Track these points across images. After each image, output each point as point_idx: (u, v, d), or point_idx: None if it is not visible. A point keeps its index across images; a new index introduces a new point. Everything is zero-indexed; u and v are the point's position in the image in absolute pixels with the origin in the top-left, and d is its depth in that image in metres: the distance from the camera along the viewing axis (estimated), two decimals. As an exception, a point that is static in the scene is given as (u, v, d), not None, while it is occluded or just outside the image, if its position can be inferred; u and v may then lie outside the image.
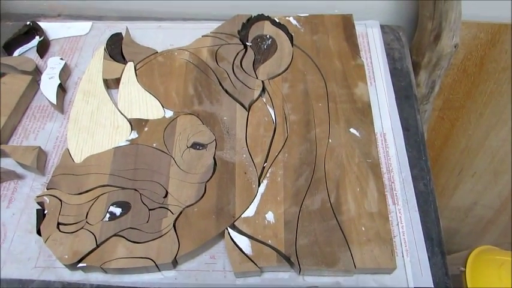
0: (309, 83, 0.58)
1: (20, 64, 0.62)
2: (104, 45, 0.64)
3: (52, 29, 0.69)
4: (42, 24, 0.69)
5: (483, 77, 0.72)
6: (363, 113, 0.55)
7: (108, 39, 0.65)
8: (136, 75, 0.60)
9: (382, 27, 0.67)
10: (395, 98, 0.59)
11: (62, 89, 0.60)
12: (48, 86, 0.59)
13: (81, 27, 0.70)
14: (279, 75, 0.59)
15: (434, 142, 0.85)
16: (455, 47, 0.62)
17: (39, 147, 0.53)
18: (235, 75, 0.59)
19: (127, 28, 0.66)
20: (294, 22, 0.65)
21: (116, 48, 0.64)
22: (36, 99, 0.61)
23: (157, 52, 0.63)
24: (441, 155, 0.87)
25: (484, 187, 0.94)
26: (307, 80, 0.58)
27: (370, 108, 0.55)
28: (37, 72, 0.62)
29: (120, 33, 0.66)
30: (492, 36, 0.66)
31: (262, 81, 0.58)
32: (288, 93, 0.57)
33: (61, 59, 0.63)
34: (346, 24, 0.65)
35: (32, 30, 0.67)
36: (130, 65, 0.61)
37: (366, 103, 0.56)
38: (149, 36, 0.68)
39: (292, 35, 0.64)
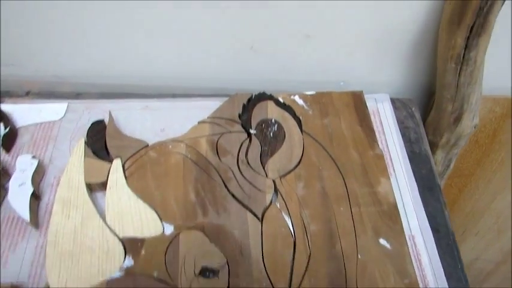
0: (326, 181, 0.51)
1: (-19, 166, 0.52)
2: (83, 137, 0.55)
3: (20, 112, 0.59)
4: (8, 107, 0.59)
5: (495, 147, 0.68)
6: (391, 217, 0.49)
7: (89, 129, 0.56)
8: (125, 177, 0.51)
9: (392, 101, 0.62)
10: (418, 190, 0.54)
11: (35, 196, 0.51)
12: (19, 196, 0.50)
13: (54, 109, 0.60)
14: (291, 171, 0.52)
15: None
16: (474, 127, 0.58)
17: (11, 284, 0.44)
18: (242, 174, 0.52)
19: (110, 114, 0.58)
20: (301, 102, 0.59)
21: (98, 141, 0.55)
22: (2, 209, 0.51)
23: (148, 145, 0.55)
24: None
25: (486, 244, 0.91)
26: (323, 176, 0.52)
27: (398, 211, 0.49)
28: (3, 174, 0.52)
29: (103, 121, 0.57)
30: (507, 110, 0.62)
31: (273, 181, 0.51)
32: (304, 195, 0.50)
33: (33, 157, 0.53)
34: (357, 103, 0.59)
35: (-5, 118, 0.57)
36: (117, 164, 0.52)
37: (392, 204, 0.50)
38: (135, 119, 0.59)
39: (300, 119, 0.57)
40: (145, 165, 0.52)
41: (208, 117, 0.57)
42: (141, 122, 0.59)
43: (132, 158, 0.53)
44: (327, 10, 0.55)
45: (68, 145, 0.57)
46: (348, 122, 0.57)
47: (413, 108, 0.62)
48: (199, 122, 0.57)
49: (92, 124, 0.56)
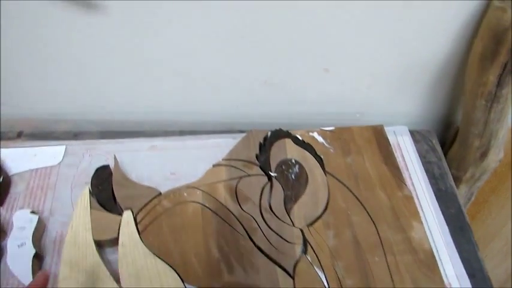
0: (356, 227, 0.48)
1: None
2: (87, 185, 0.50)
3: (12, 157, 0.54)
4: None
5: (510, 174, 0.67)
6: (429, 266, 0.46)
7: (93, 177, 0.51)
8: (139, 232, 0.47)
9: (411, 133, 0.60)
10: (449, 231, 0.51)
11: (37, 257, 0.45)
12: (19, 258, 0.44)
13: (51, 153, 0.54)
14: (318, 218, 0.49)
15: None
16: (499, 161, 0.56)
17: None
18: (267, 224, 0.48)
19: (115, 158, 0.53)
20: (320, 139, 0.56)
21: (104, 190, 0.50)
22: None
23: (160, 193, 0.50)
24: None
25: (493, 266, 0.90)
26: (353, 222, 0.49)
27: (435, 259, 0.47)
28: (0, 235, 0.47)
29: (108, 167, 0.52)
30: (525, 139, 0.61)
31: (301, 230, 0.48)
32: (335, 246, 0.47)
33: (32, 212, 0.48)
34: (379, 138, 0.56)
35: (-15, 167, 0.51)
36: (128, 217, 0.47)
37: (429, 252, 0.47)
38: (142, 161, 0.55)
39: (321, 158, 0.54)
40: (159, 217, 0.48)
41: (223, 160, 0.53)
42: (149, 165, 0.54)
43: (144, 209, 0.48)
44: (347, 44, 0.52)
45: (69, 194, 0.51)
46: (372, 160, 0.54)
47: (433, 141, 0.60)
48: (214, 165, 0.53)
49: (96, 170, 0.51)
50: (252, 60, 0.53)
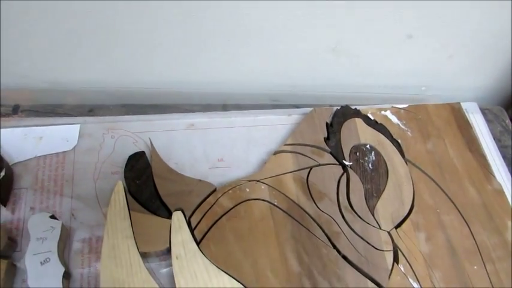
0: (449, 230, 0.41)
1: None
2: (121, 180, 0.39)
3: (10, 141, 0.41)
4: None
5: None
6: (531, 274, 0.41)
7: (127, 168, 0.40)
8: (195, 239, 0.37)
9: (482, 111, 0.53)
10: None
11: (66, 276, 0.35)
12: (45, 280, 0.34)
13: (61, 134, 0.42)
14: (406, 218, 0.41)
15: None
16: None
17: None
18: (349, 226, 0.40)
19: (151, 143, 0.41)
20: (395, 119, 0.47)
21: (145, 186, 0.39)
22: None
23: (215, 189, 0.40)
24: None
25: None
26: (444, 223, 0.42)
27: (536, 264, 0.41)
28: (10, 246, 0.35)
29: (143, 154, 0.41)
30: None
31: (389, 233, 0.40)
32: (429, 252, 0.40)
33: (52, 216, 0.36)
34: (459, 119, 0.48)
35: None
36: (179, 220, 0.37)
37: (529, 256, 0.41)
38: (180, 144, 0.44)
39: (399, 142, 0.45)
40: (220, 220, 0.38)
41: (286, 144, 0.43)
42: (189, 148, 0.44)
43: (199, 210, 0.38)
44: (434, 6, 0.42)
45: (92, 189, 0.40)
46: (455, 146, 0.46)
47: (506, 121, 0.53)
48: (276, 152, 0.43)
49: (128, 159, 0.40)
50: (320, 21, 0.42)
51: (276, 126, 0.46)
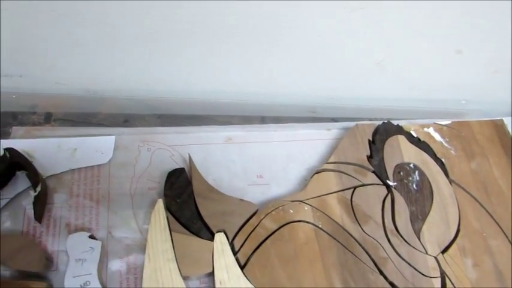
0: (496, 255, 0.40)
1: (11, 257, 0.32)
2: (161, 198, 0.37)
3: (42, 152, 0.39)
4: (23, 143, 0.38)
5: None
6: None
7: (166, 186, 0.38)
8: (240, 265, 0.35)
9: (521, 127, 0.51)
10: None
11: (107, 301, 0.33)
12: (86, 307, 0.32)
13: (96, 146, 0.40)
14: (452, 242, 0.40)
15: None
16: None
17: None
18: (395, 251, 0.38)
19: (190, 158, 0.39)
20: (438, 137, 0.45)
21: (185, 205, 0.37)
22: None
23: (257, 210, 0.38)
24: None
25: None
26: (491, 248, 0.40)
27: None
28: (47, 266, 0.34)
29: (183, 171, 0.39)
30: None
31: (436, 258, 0.39)
32: (477, 279, 0.38)
33: (91, 236, 0.35)
34: (502, 137, 0.47)
35: (13, 167, 0.36)
36: (221, 243, 0.36)
37: None
38: (218, 159, 0.42)
39: (442, 162, 0.44)
40: (264, 243, 0.37)
41: (328, 163, 0.42)
42: (227, 164, 0.42)
43: (242, 232, 0.37)
44: (483, 22, 0.40)
45: (129, 205, 0.38)
46: (499, 166, 0.45)
47: (548, 138, 0.52)
48: (318, 171, 0.41)
49: (168, 176, 0.38)
50: (368, 35, 0.40)
51: (314, 142, 0.45)
